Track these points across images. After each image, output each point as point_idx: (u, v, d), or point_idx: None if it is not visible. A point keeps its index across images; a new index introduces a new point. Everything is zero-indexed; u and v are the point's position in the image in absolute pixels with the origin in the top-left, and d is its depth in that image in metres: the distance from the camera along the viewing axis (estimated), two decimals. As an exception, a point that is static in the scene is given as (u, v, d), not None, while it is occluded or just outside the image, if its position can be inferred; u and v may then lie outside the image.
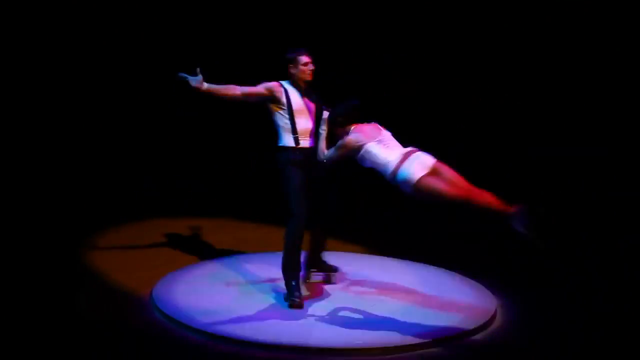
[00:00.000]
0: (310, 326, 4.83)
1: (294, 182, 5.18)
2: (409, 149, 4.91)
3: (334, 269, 5.72)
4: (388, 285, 5.62)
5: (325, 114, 5.23)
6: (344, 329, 4.77)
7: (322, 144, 5.16)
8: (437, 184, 4.67)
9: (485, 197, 4.58)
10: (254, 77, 5.37)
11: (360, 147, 4.92)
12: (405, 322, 4.89)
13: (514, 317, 5.21)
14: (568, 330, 5.01)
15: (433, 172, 4.72)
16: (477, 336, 4.81)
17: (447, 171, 4.74)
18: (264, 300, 5.23)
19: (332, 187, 5.50)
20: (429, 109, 8.90)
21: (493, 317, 5.10)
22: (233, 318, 4.84)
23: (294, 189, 5.17)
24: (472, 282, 5.77)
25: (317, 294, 5.40)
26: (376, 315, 5.02)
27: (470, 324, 4.90)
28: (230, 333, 4.60)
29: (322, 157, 5.13)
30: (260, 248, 6.46)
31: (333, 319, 4.97)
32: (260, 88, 5.23)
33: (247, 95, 5.22)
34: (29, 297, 5.26)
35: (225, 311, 4.95)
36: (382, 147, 4.90)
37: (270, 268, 5.64)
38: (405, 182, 4.73)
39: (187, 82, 5.06)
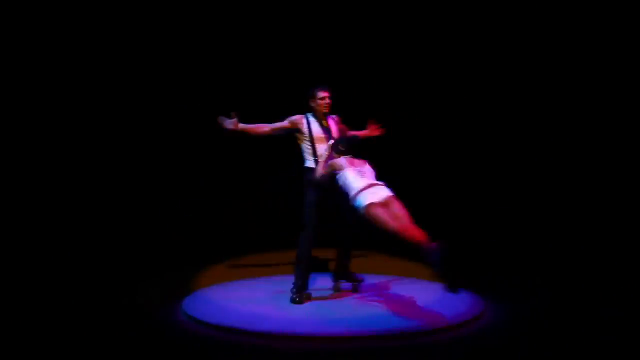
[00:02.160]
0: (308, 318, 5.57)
1: (310, 199, 6.04)
2: (376, 182, 5.67)
3: (360, 280, 6.45)
4: (384, 293, 6.34)
5: (330, 142, 6.04)
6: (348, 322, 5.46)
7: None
8: (382, 214, 5.41)
9: (416, 234, 5.23)
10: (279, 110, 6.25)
11: (340, 169, 5.74)
12: (401, 317, 5.58)
13: (499, 316, 5.81)
14: (549, 327, 5.51)
15: (384, 204, 5.47)
16: (466, 329, 5.43)
17: (397, 207, 5.47)
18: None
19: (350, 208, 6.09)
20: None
21: (480, 315, 5.74)
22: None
23: (309, 204, 6.03)
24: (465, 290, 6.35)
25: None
26: (378, 314, 5.72)
27: (458, 320, 5.55)
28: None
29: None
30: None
31: (335, 313, 5.71)
32: (286, 122, 6.16)
33: (275, 130, 6.16)
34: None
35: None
36: (357, 175, 5.69)
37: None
38: (359, 207, 5.52)
39: (223, 124, 6.01)
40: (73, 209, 8.50)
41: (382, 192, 5.55)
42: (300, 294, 6.01)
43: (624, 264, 7.29)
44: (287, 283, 6.62)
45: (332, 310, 5.81)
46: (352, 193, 5.60)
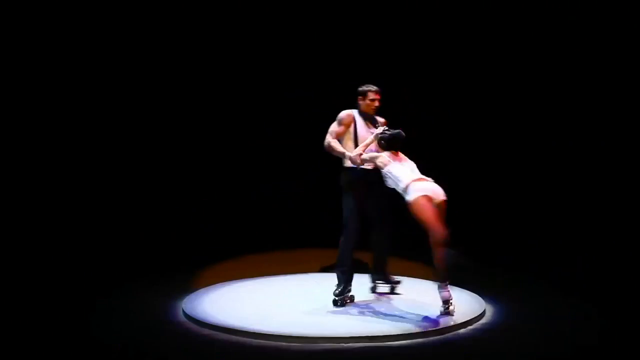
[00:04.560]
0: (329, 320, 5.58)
1: (350, 200, 5.95)
2: (423, 177, 5.70)
3: (397, 281, 6.36)
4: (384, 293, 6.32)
5: (376, 130, 5.90)
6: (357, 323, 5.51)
7: (360, 147, 5.82)
8: (430, 208, 5.51)
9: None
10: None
11: (383, 165, 5.70)
12: (406, 317, 5.59)
13: (499, 316, 5.83)
14: (549, 327, 5.55)
15: (434, 201, 5.55)
16: (466, 330, 5.45)
17: (443, 211, 5.59)
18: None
19: (385, 210, 6.13)
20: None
21: (481, 315, 5.76)
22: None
23: (350, 207, 5.94)
24: (465, 290, 6.39)
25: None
26: (378, 314, 5.75)
27: (460, 319, 5.55)
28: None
29: (355, 153, 5.80)
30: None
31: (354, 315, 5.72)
32: (342, 128, 5.96)
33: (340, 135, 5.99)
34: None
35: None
36: (405, 169, 5.72)
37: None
38: (409, 197, 5.54)
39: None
40: (73, 208, 8.48)
41: (436, 189, 5.61)
42: (343, 297, 5.91)
43: (624, 264, 7.28)
44: (287, 283, 6.65)
45: (332, 310, 5.80)
46: (402, 185, 5.60)
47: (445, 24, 8.93)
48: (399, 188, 5.63)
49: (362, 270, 6.51)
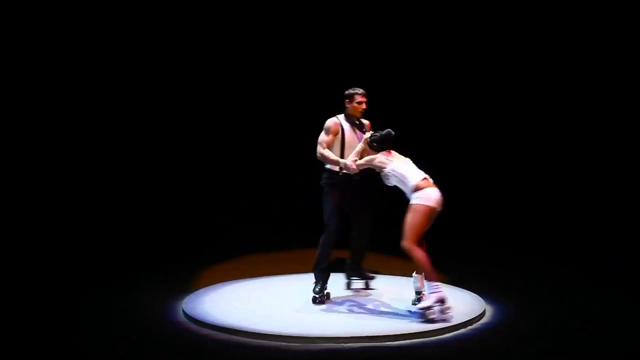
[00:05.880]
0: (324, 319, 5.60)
1: (331, 200, 5.99)
2: (428, 177, 5.65)
3: (371, 276, 6.45)
4: (384, 293, 6.32)
5: (364, 135, 5.91)
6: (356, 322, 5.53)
7: (354, 153, 5.84)
8: (426, 221, 5.52)
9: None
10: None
11: (385, 165, 5.66)
12: (406, 317, 5.61)
13: (499, 316, 5.84)
14: (549, 327, 5.58)
15: (433, 211, 5.53)
16: (466, 330, 5.47)
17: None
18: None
19: (365, 208, 6.19)
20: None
21: (481, 315, 5.76)
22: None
23: (331, 206, 5.98)
24: (465, 290, 6.40)
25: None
26: (378, 314, 5.76)
27: (461, 319, 5.56)
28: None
29: (350, 160, 5.80)
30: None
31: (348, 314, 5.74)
32: (330, 137, 5.97)
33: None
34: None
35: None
36: (407, 166, 5.69)
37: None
38: (419, 200, 5.50)
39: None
40: (73, 207, 8.51)
41: (440, 200, 5.56)
42: (322, 295, 5.99)
43: (624, 263, 7.30)
44: (287, 283, 6.65)
45: (332, 310, 5.82)
46: (411, 183, 5.56)
47: (444, 25, 8.97)
48: (407, 186, 5.59)
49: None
